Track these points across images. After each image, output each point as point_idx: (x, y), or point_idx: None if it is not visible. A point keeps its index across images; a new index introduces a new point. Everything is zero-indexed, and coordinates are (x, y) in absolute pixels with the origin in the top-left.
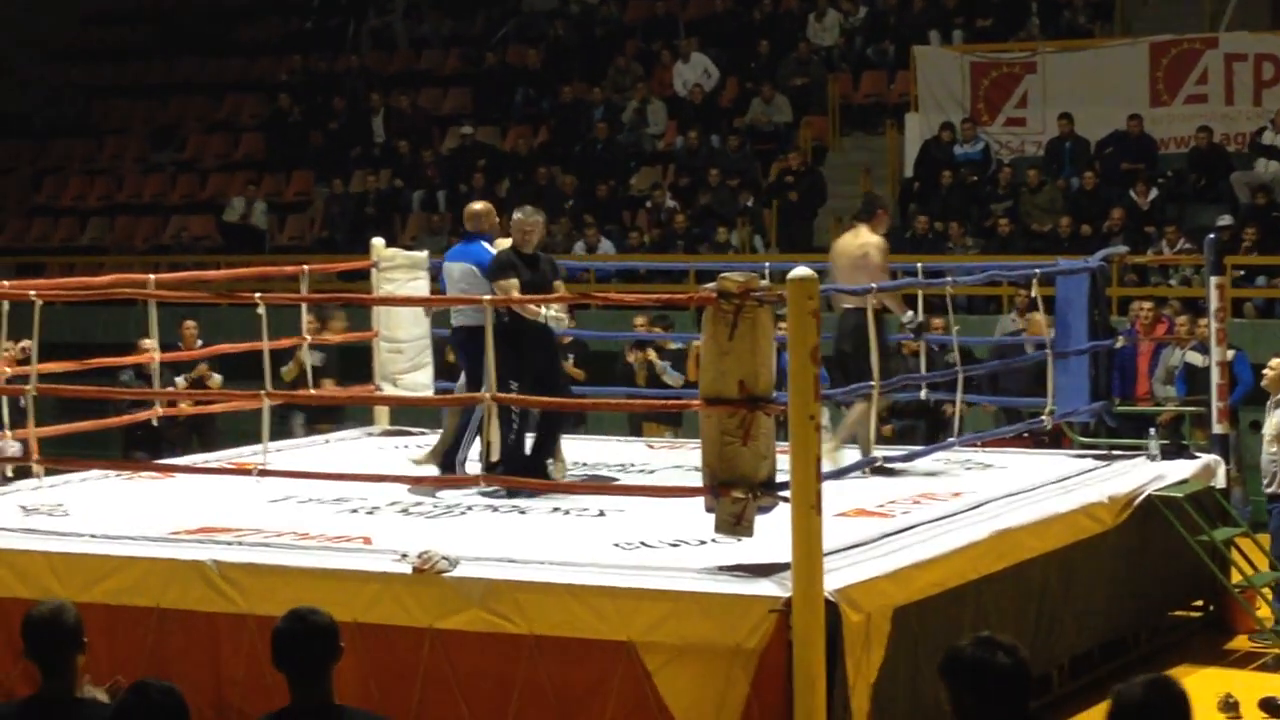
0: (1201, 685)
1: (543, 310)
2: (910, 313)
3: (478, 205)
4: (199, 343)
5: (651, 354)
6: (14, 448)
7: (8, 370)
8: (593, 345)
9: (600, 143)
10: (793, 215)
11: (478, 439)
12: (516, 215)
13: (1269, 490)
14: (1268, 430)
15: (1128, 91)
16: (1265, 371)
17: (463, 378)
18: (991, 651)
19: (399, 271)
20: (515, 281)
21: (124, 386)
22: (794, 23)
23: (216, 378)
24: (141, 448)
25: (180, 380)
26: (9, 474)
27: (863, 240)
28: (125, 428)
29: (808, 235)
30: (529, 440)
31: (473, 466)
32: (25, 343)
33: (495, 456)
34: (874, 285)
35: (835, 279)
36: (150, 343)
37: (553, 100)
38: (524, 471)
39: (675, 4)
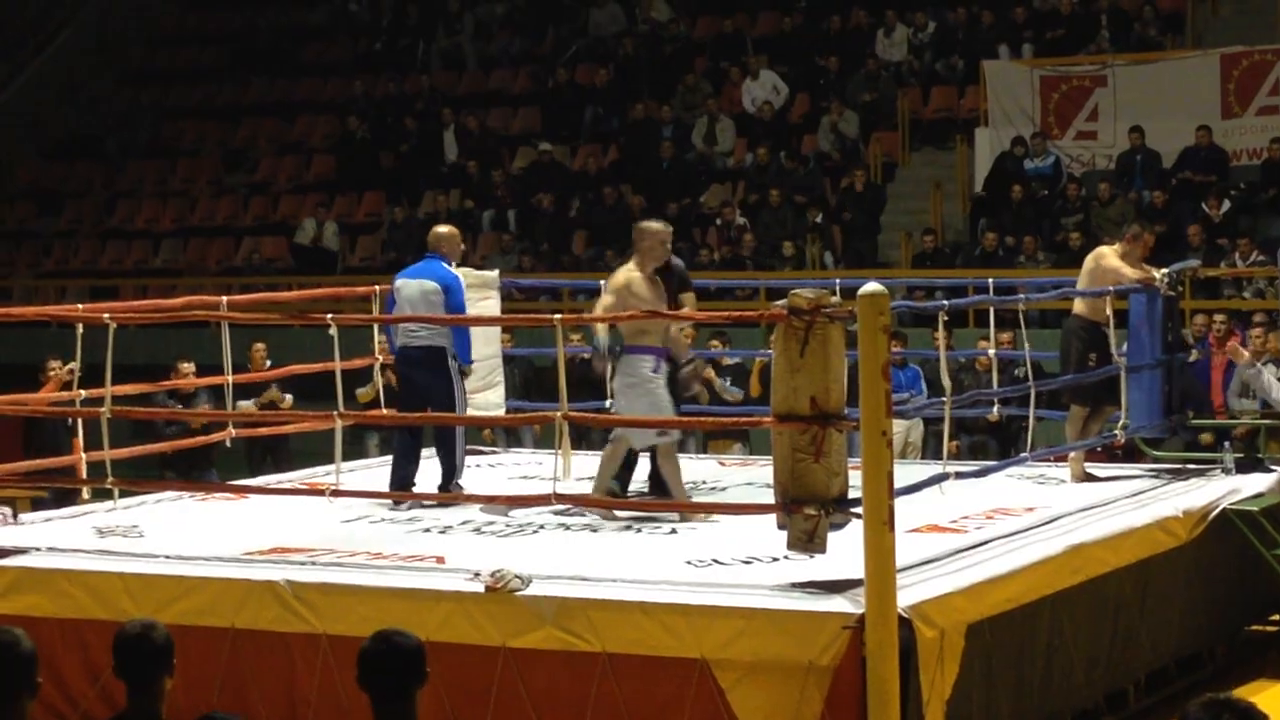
0: (1278, 701)
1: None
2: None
3: (443, 228)
4: (268, 364)
5: (710, 372)
6: None
7: (83, 393)
8: None
9: (669, 161)
10: (856, 231)
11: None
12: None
13: None
14: None
15: (1199, 104)
16: None
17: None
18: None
19: (470, 291)
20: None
21: (160, 407)
22: (862, 39)
23: (288, 399)
24: (173, 468)
25: (247, 403)
26: (86, 495)
27: (1092, 253)
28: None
29: (872, 251)
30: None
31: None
32: (71, 364)
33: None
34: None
35: None
36: (188, 366)
37: (622, 119)
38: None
39: (744, 21)
